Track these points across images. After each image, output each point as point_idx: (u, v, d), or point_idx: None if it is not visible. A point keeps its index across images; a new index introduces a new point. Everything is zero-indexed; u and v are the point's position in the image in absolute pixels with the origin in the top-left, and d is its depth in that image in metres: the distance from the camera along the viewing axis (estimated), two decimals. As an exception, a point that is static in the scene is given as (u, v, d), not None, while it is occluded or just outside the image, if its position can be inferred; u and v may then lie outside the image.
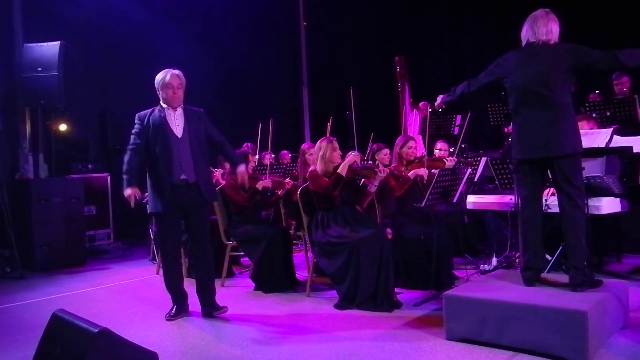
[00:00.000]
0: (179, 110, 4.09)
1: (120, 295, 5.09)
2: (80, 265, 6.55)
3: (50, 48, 6.53)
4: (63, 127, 7.35)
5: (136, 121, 4.08)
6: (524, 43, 3.55)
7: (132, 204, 3.95)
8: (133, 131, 4.06)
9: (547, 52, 3.42)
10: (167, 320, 4.09)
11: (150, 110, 4.09)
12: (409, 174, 4.67)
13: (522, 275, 3.51)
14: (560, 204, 3.46)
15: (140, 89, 8.64)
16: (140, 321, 4.14)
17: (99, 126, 8.34)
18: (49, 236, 6.42)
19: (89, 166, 7.62)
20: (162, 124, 4.01)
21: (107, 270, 6.33)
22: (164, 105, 4.07)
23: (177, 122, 4.06)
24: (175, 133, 4.03)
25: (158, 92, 4.08)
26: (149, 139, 4.01)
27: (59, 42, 6.55)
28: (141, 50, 8.60)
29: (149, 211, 4.17)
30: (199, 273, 4.22)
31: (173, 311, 4.16)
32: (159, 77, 4.05)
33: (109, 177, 7.73)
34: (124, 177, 3.99)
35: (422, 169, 4.69)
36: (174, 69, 4.06)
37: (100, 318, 3.86)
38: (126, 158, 4.02)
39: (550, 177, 3.56)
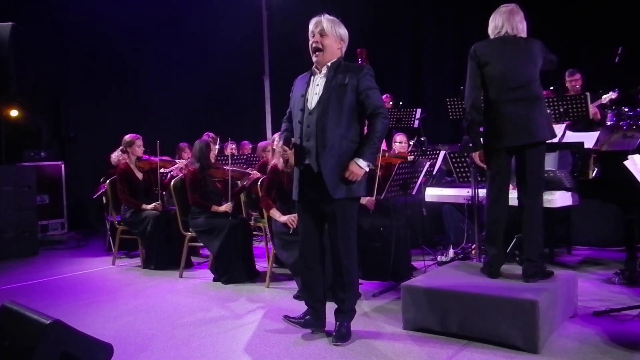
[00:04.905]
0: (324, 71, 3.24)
1: (75, 286, 4.97)
2: (32, 255, 6.37)
3: (1, 29, 6.26)
4: (14, 113, 7.09)
5: None
6: (494, 33, 3.52)
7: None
8: None
9: (522, 44, 3.47)
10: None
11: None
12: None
13: (488, 271, 3.53)
14: (520, 197, 3.50)
15: (97, 75, 8.49)
16: (96, 312, 4.05)
17: (52, 113, 8.10)
18: (-1, 225, 6.22)
19: (42, 154, 7.41)
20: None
21: (61, 260, 6.16)
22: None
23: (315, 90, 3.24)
24: (308, 105, 3.22)
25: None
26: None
27: (10, 23, 6.28)
28: (99, 37, 8.37)
29: None
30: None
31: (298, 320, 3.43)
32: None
33: (62, 166, 7.52)
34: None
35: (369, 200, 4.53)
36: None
37: (53, 309, 3.76)
38: None
39: (514, 168, 3.56)
